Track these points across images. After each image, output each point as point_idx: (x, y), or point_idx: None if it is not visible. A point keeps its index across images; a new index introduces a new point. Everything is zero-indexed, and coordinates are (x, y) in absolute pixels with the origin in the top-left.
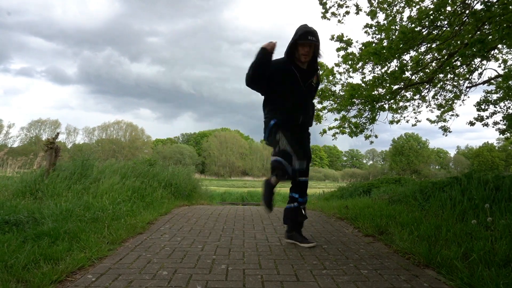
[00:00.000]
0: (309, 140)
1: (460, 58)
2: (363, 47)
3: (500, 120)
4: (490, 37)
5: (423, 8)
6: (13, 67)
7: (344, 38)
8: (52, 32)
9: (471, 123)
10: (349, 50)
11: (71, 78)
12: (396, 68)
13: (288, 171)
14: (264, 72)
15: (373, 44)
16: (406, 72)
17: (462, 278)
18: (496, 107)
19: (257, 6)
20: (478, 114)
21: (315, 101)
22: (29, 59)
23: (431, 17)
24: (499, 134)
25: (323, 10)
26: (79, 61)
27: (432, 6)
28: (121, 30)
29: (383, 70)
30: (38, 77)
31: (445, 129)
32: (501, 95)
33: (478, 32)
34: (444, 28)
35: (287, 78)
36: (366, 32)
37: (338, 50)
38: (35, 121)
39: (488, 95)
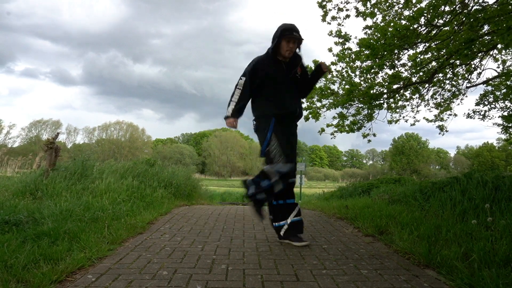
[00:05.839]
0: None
1: (459, 57)
2: (360, 43)
3: (499, 117)
4: (488, 37)
5: (421, 7)
6: (18, 68)
7: (342, 34)
8: (58, 34)
9: (469, 116)
10: (347, 45)
11: (75, 80)
12: (388, 67)
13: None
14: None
15: (370, 41)
16: (404, 71)
17: (462, 278)
18: (496, 104)
19: (262, 8)
20: (477, 109)
21: (314, 99)
22: (34, 60)
23: (428, 16)
24: (499, 127)
25: (323, 13)
26: (83, 62)
27: (426, 5)
28: (126, 32)
29: (376, 67)
30: (42, 78)
31: (442, 128)
32: (502, 95)
33: (476, 33)
34: (442, 28)
35: (276, 73)
36: (365, 33)
37: (336, 44)
38: (36, 121)
39: (489, 92)
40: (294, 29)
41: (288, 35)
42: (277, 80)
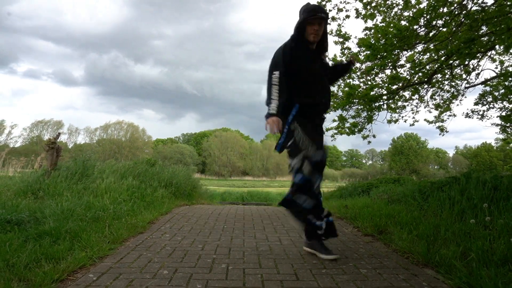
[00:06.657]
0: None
1: (459, 57)
2: (360, 43)
3: (497, 117)
4: (486, 38)
5: (420, 8)
6: (20, 69)
7: (342, 33)
8: (60, 36)
9: (467, 115)
10: (346, 44)
11: (77, 80)
12: (390, 66)
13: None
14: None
15: (371, 40)
16: (403, 72)
17: (460, 277)
18: (494, 104)
19: (262, 9)
20: (476, 109)
21: None
22: (37, 61)
23: (427, 17)
24: (497, 127)
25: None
26: (85, 63)
27: (426, 6)
28: (128, 33)
29: (377, 69)
30: (45, 79)
31: (442, 129)
32: (500, 95)
33: (476, 33)
34: (441, 29)
35: (301, 59)
36: (365, 34)
37: (335, 43)
38: (38, 122)
39: (488, 93)
40: (317, 10)
41: (311, 17)
42: (306, 66)
